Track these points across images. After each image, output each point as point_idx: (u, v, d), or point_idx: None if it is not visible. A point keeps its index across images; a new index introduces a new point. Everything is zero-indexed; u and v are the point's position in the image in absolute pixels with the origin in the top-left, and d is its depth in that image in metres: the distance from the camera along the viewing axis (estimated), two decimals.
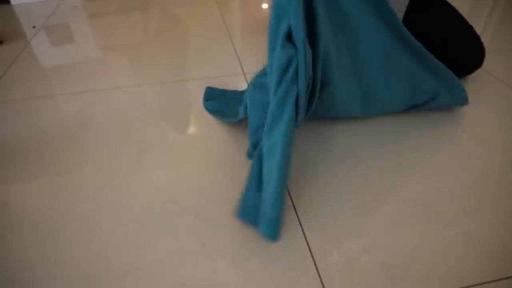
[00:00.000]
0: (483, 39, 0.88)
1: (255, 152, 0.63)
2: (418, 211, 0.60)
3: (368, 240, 0.56)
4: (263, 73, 0.71)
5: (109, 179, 0.67)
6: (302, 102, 0.59)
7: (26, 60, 1.10)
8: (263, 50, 1.12)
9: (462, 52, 0.86)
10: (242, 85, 0.93)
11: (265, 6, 1.47)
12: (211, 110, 0.82)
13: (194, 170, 0.68)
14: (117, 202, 0.62)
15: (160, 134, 0.78)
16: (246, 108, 0.70)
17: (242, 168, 0.68)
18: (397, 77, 0.73)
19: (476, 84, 0.90)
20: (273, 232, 0.51)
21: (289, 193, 0.63)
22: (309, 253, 0.54)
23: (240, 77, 0.97)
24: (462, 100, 0.78)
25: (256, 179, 0.58)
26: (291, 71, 0.58)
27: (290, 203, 0.61)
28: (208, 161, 0.71)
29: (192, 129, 0.80)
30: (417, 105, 0.78)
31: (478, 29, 0.87)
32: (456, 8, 0.90)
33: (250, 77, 0.97)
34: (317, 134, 0.76)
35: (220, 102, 0.85)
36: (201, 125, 0.80)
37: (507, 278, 0.51)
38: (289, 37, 0.59)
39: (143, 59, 1.07)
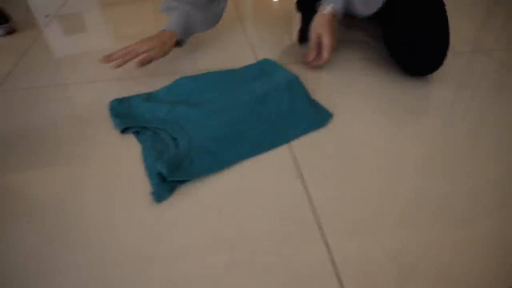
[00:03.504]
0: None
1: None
2: (432, 210, 0.59)
3: (379, 237, 0.55)
4: None
5: (123, 169, 0.67)
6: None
7: (39, 50, 1.10)
8: (278, 39, 1.11)
9: (424, 47, 0.85)
10: None
11: None
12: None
13: None
14: (131, 192, 0.62)
15: None
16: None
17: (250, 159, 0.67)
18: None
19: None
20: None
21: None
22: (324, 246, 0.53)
23: None
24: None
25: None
26: None
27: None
28: None
29: None
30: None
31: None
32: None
33: None
34: None
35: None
36: None
37: None
38: None
39: None
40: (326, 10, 0.89)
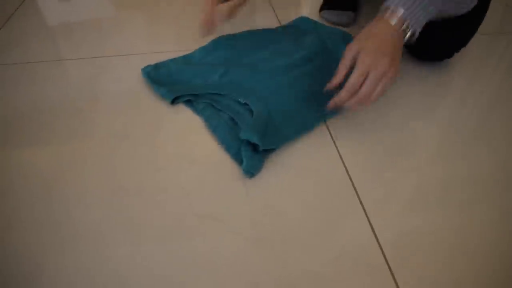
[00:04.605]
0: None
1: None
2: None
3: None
4: None
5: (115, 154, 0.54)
6: None
7: (27, 16, 0.93)
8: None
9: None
10: None
11: None
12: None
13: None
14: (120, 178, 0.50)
15: (180, 112, 0.64)
16: None
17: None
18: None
19: None
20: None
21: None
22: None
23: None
24: None
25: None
26: None
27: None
28: None
29: None
30: None
31: None
32: None
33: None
34: None
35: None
36: None
37: None
38: None
39: (162, 19, 0.90)
40: (392, 14, 0.54)
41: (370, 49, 0.51)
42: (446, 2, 0.56)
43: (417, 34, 0.55)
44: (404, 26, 0.54)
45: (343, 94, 0.52)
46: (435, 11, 0.55)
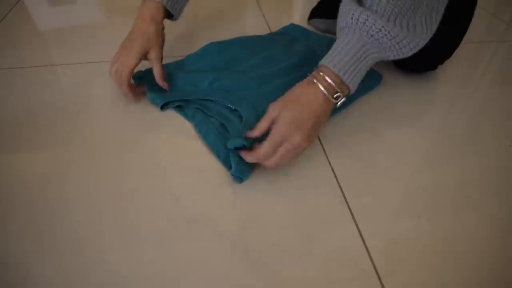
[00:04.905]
0: None
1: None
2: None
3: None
4: None
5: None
6: None
7: (17, 21, 0.93)
8: (293, 5, 0.96)
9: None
10: None
11: None
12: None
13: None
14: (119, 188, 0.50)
15: (171, 117, 0.64)
16: None
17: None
18: None
19: None
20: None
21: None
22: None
23: None
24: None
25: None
26: None
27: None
28: None
29: None
30: None
31: None
32: None
33: None
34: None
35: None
36: None
37: None
38: None
39: None
40: (323, 78, 0.49)
41: (288, 119, 0.47)
42: (384, 51, 0.51)
43: (353, 90, 0.51)
44: (336, 94, 0.49)
45: (253, 158, 0.50)
46: (372, 62, 0.51)
